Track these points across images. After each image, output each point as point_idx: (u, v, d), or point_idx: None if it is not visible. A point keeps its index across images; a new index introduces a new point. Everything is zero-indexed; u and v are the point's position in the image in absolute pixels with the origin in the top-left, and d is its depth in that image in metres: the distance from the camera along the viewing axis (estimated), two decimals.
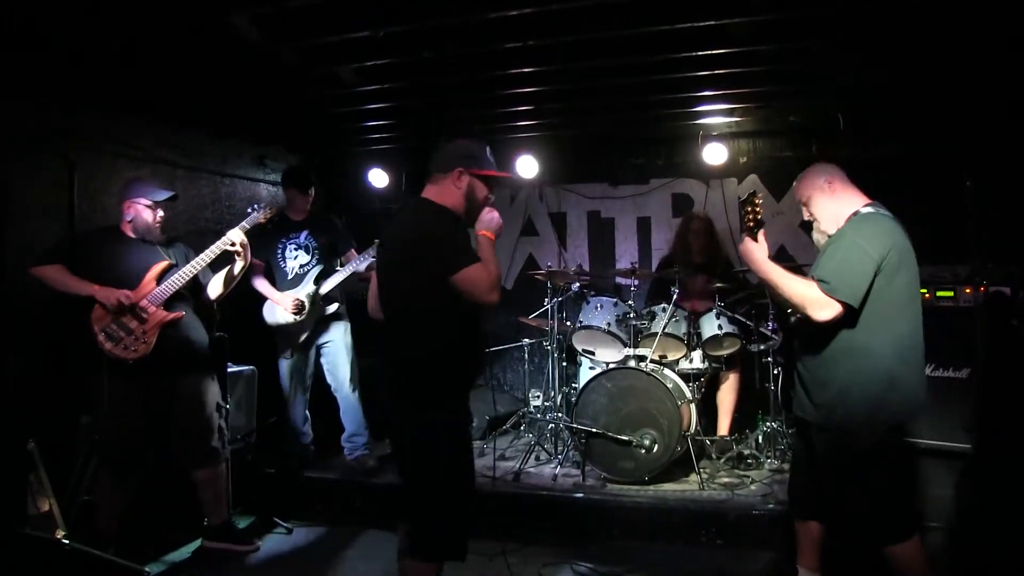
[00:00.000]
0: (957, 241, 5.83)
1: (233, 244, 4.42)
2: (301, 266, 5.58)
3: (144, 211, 4.35)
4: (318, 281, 5.53)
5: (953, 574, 3.84)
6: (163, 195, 4.41)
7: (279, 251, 5.59)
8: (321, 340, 5.67)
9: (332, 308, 5.60)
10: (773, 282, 3.28)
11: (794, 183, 3.55)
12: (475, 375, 3.41)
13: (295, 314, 5.43)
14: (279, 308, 5.49)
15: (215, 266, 4.56)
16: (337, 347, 5.67)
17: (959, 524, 3.92)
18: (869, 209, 3.30)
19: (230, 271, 4.56)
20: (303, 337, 5.55)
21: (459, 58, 4.77)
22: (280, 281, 5.57)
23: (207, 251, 4.38)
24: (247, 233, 4.55)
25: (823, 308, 3.10)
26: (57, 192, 4.88)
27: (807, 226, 3.60)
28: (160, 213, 4.40)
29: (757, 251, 3.35)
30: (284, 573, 4.60)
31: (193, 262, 4.37)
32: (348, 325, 5.75)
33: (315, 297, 5.50)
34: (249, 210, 4.69)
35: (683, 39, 4.41)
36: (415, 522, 3.16)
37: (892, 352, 3.16)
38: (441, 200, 3.20)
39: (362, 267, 5.50)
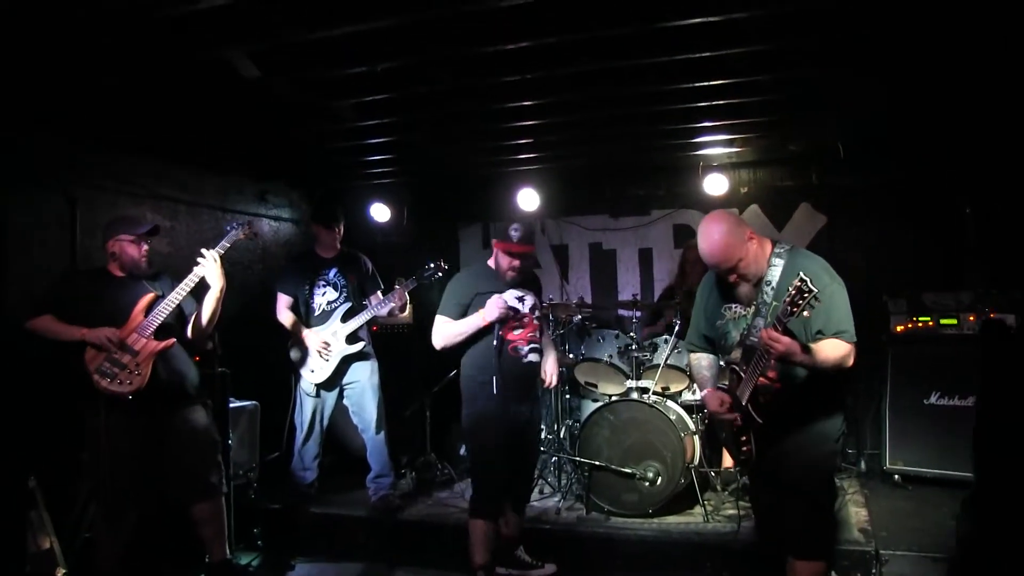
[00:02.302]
0: (959, 268, 5.83)
1: (204, 262, 4.29)
2: (329, 303, 5.56)
3: (128, 246, 4.30)
4: (345, 319, 5.49)
5: None
6: (144, 228, 4.37)
7: (307, 288, 5.58)
8: (345, 380, 5.59)
9: (357, 347, 5.50)
10: (816, 364, 3.14)
11: (706, 251, 3.27)
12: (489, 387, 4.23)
13: (321, 352, 5.42)
14: (304, 345, 5.47)
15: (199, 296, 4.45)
16: (363, 388, 5.58)
17: (959, 554, 3.86)
18: (783, 245, 3.34)
19: (209, 294, 4.41)
20: (328, 375, 5.49)
21: (457, 92, 4.80)
22: (308, 317, 5.57)
23: (187, 279, 4.28)
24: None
25: (852, 356, 3.21)
26: (59, 229, 4.92)
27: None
28: (144, 246, 4.35)
29: (798, 347, 3.09)
30: None
31: (176, 290, 4.27)
32: (375, 364, 5.66)
33: (341, 335, 5.46)
34: (227, 228, 4.53)
35: (681, 70, 4.43)
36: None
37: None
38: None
39: (383, 311, 5.44)
